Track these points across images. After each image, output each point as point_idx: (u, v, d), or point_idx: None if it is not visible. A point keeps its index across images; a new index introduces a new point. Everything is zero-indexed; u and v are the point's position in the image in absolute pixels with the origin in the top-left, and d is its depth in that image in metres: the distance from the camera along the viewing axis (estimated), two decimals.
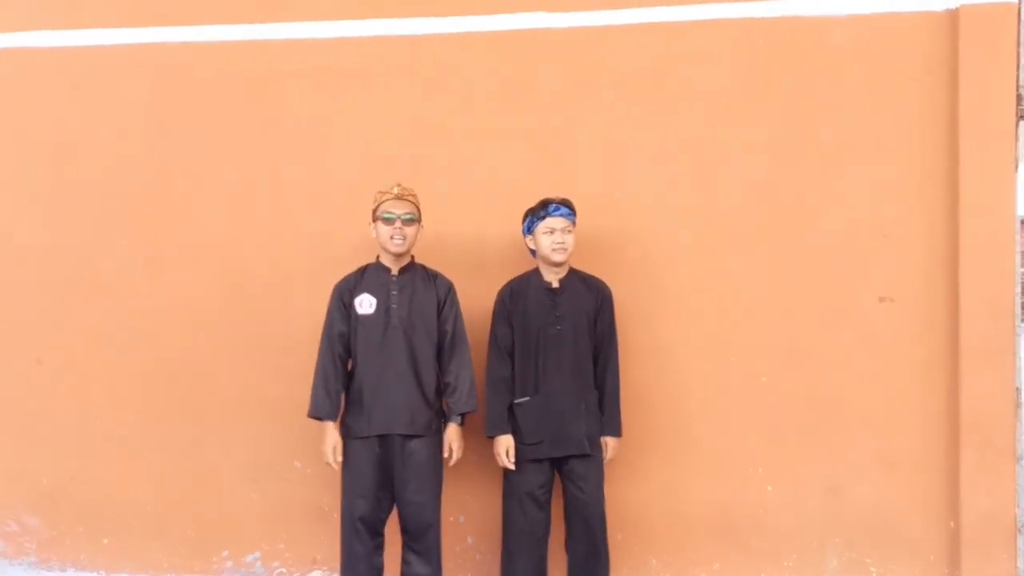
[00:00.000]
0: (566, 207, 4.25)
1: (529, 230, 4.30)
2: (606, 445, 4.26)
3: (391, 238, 4.19)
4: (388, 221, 4.19)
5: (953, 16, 4.44)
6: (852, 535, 4.47)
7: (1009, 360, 4.34)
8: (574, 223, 4.28)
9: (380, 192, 4.25)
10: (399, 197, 4.21)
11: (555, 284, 4.30)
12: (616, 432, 4.28)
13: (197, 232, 4.89)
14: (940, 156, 4.46)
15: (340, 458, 4.15)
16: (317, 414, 4.19)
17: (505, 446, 4.19)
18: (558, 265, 4.28)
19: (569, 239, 4.25)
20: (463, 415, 4.22)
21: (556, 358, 4.21)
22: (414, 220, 4.23)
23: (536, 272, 4.35)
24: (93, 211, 4.96)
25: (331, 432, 4.17)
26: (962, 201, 4.37)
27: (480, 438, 4.41)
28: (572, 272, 4.35)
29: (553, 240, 4.22)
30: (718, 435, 4.55)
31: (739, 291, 4.57)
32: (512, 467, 4.17)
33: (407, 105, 4.79)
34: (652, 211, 4.63)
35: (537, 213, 4.26)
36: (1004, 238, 4.36)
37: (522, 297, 4.30)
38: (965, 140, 4.38)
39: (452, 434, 4.21)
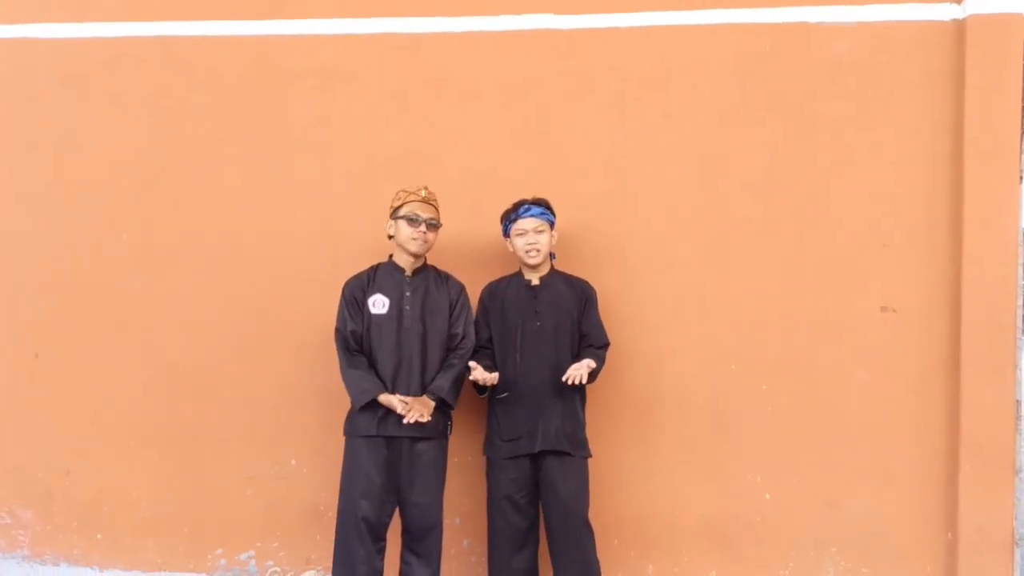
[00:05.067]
0: (538, 207, 4.25)
1: (505, 233, 4.33)
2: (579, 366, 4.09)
3: (412, 239, 4.17)
4: (413, 223, 4.16)
5: (960, 26, 4.43)
6: (849, 546, 4.46)
7: (1009, 373, 4.33)
8: (551, 223, 4.28)
9: (405, 191, 4.23)
10: (425, 201, 4.20)
11: (535, 282, 4.31)
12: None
13: (197, 229, 4.86)
14: (944, 166, 4.45)
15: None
16: (369, 397, 4.07)
17: (474, 366, 4.11)
18: (534, 267, 4.29)
19: (542, 239, 4.25)
20: (439, 399, 4.14)
21: (535, 354, 4.21)
22: (436, 225, 4.22)
23: (518, 273, 4.38)
24: (93, 206, 4.94)
25: (385, 396, 4.06)
26: (965, 212, 4.36)
27: (477, 441, 4.40)
28: (554, 272, 4.37)
29: (526, 241, 4.24)
30: (717, 443, 4.54)
31: (740, 299, 4.55)
32: (488, 373, 4.09)
33: (411, 104, 4.78)
34: (654, 216, 4.62)
35: (509, 216, 4.29)
36: (1007, 250, 4.35)
37: (500, 296, 4.33)
38: (969, 151, 4.37)
39: (423, 398, 4.11)
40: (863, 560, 4.45)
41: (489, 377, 4.10)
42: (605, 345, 4.32)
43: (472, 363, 4.14)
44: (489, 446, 4.28)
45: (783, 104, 4.57)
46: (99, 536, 4.87)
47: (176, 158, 4.91)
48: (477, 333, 4.32)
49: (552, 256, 4.39)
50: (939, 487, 4.40)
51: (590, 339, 4.29)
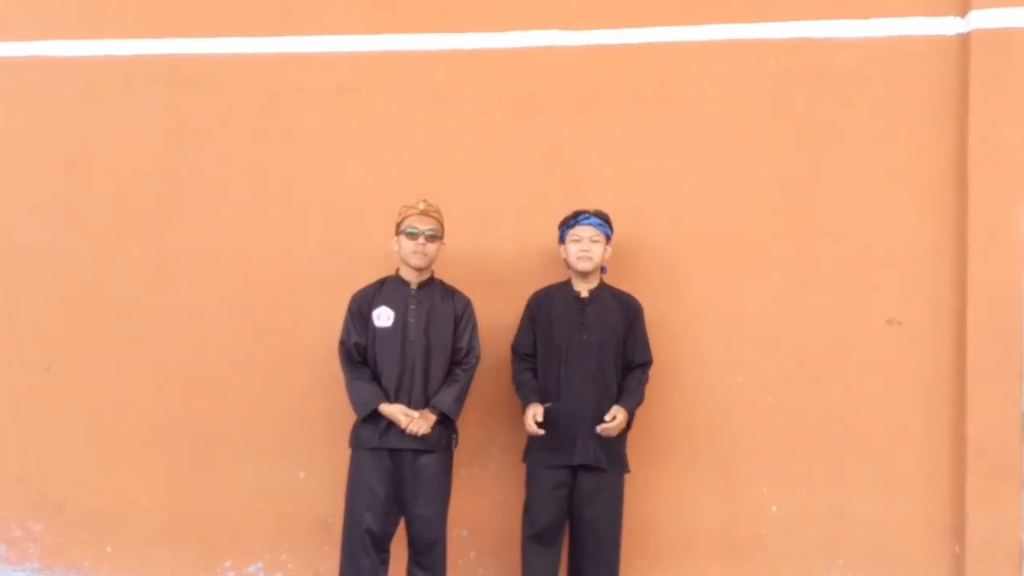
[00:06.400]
0: (597, 218, 4.29)
1: (561, 239, 4.36)
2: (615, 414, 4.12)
3: (413, 253, 4.21)
4: (412, 236, 4.20)
5: (964, 40, 4.46)
6: (856, 557, 4.46)
7: (1016, 384, 4.34)
8: (607, 235, 4.30)
9: (405, 206, 4.27)
10: (424, 213, 4.23)
11: (584, 294, 4.32)
12: (624, 405, 4.17)
13: (208, 243, 4.91)
14: (949, 179, 4.47)
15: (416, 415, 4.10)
16: (370, 408, 4.11)
17: (532, 412, 4.15)
18: (584, 274, 4.29)
19: (596, 249, 4.26)
20: (441, 414, 4.15)
21: (579, 367, 4.20)
22: (437, 237, 4.25)
23: (567, 282, 4.38)
24: (106, 220, 4.98)
25: (388, 406, 4.10)
26: (970, 224, 4.38)
27: (484, 453, 4.42)
28: (604, 286, 4.37)
29: (579, 248, 4.26)
30: (724, 454, 4.55)
31: (747, 311, 4.57)
32: (538, 430, 4.11)
33: (420, 120, 4.82)
34: (661, 230, 4.64)
35: (568, 222, 4.32)
36: (1012, 261, 4.36)
37: (548, 305, 4.34)
38: (974, 164, 4.39)
39: (424, 412, 4.13)
40: (870, 571, 4.44)
41: (536, 432, 4.12)
42: (648, 363, 4.33)
43: (538, 408, 4.14)
44: (529, 455, 4.27)
45: (789, 119, 4.61)
46: (109, 548, 4.89)
47: (188, 173, 4.96)
48: (521, 341, 4.35)
49: (603, 270, 4.39)
50: (946, 499, 4.40)
51: (633, 355, 4.29)
